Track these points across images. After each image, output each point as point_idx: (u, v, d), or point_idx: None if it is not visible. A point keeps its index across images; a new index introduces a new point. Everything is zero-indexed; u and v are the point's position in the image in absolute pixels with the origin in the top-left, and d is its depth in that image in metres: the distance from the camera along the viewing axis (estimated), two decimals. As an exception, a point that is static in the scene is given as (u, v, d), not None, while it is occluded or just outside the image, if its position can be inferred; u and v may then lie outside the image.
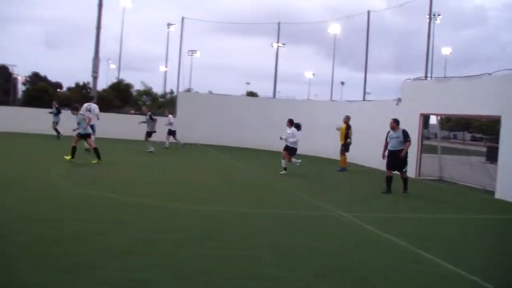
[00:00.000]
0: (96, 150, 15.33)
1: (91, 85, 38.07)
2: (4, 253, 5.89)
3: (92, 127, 16.80)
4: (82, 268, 5.52)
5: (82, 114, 15.60)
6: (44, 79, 70.82)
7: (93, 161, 15.17)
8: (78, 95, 57.26)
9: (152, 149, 20.27)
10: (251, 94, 64.71)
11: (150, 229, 7.65)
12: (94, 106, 18.87)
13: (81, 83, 63.73)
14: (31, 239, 6.57)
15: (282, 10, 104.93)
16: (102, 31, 33.28)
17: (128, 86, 65.89)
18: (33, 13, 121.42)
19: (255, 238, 7.52)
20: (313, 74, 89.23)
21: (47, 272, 5.32)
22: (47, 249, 6.18)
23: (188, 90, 50.16)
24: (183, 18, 31.42)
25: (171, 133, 23.78)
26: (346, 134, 18.35)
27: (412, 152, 14.27)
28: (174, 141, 23.84)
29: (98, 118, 18.86)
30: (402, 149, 12.92)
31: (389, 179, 13.06)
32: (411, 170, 16.99)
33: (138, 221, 8.16)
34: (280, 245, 7.17)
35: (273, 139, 23.06)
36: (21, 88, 74.28)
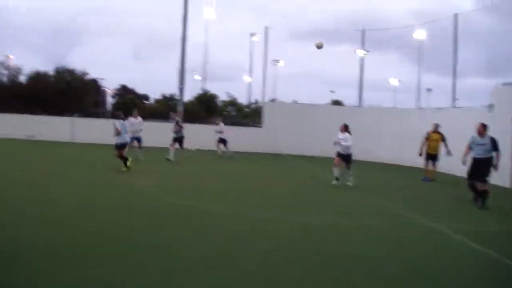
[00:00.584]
0: (123, 158, 15.74)
1: (177, 97, 39.40)
2: (96, 257, 6.29)
3: (138, 139, 18.66)
4: (167, 276, 5.75)
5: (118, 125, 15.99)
6: (131, 92, 73.80)
7: (123, 169, 15.62)
8: (165, 107, 59.38)
9: (171, 156, 19.78)
10: (336, 102, 64.37)
11: (234, 238, 7.84)
12: (132, 120, 19.42)
13: (167, 95, 65.99)
14: (118, 246, 6.94)
15: (366, 16, 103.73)
16: (187, 43, 34.24)
17: (213, 97, 67.47)
18: (120, 28, 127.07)
19: (340, 247, 7.60)
20: (399, 81, 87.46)
21: (135, 277, 5.64)
22: (133, 255, 6.49)
23: (273, 99, 50.71)
24: (266, 28, 32.03)
25: (222, 141, 23.50)
26: (436, 145, 17.82)
27: (505, 160, 13.80)
28: (225, 149, 23.53)
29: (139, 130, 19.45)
30: (489, 158, 11.95)
31: (474, 189, 12.19)
32: (504, 180, 16.42)
33: (221, 230, 8.36)
34: (365, 254, 7.21)
35: (359, 148, 23.01)
36: (110, 100, 77.82)
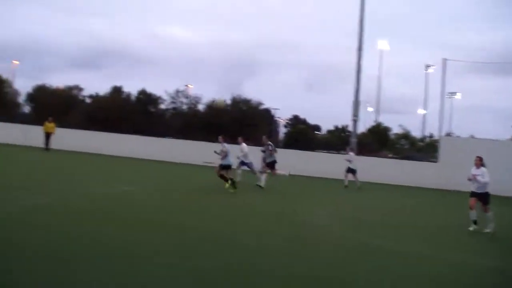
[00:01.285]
0: (221, 177, 17.02)
1: (350, 129, 39.74)
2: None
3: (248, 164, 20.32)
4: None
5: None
6: (303, 122, 75.55)
7: (227, 187, 16.67)
8: (336, 138, 59.97)
9: (263, 183, 19.23)
10: (518, 138, 59.99)
11: (401, 278, 7.68)
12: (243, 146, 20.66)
13: (339, 126, 66.53)
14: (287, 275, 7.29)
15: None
16: (361, 74, 34.18)
17: (386, 129, 66.63)
18: (295, 59, 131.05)
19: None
20: None
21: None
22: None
23: (449, 134, 48.84)
24: (444, 60, 31.28)
25: (351, 171, 23.11)
26: None
27: None
28: (353, 179, 23.11)
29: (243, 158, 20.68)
30: None
31: None
32: None
33: (397, 270, 8.25)
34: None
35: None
36: (282, 130, 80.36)
